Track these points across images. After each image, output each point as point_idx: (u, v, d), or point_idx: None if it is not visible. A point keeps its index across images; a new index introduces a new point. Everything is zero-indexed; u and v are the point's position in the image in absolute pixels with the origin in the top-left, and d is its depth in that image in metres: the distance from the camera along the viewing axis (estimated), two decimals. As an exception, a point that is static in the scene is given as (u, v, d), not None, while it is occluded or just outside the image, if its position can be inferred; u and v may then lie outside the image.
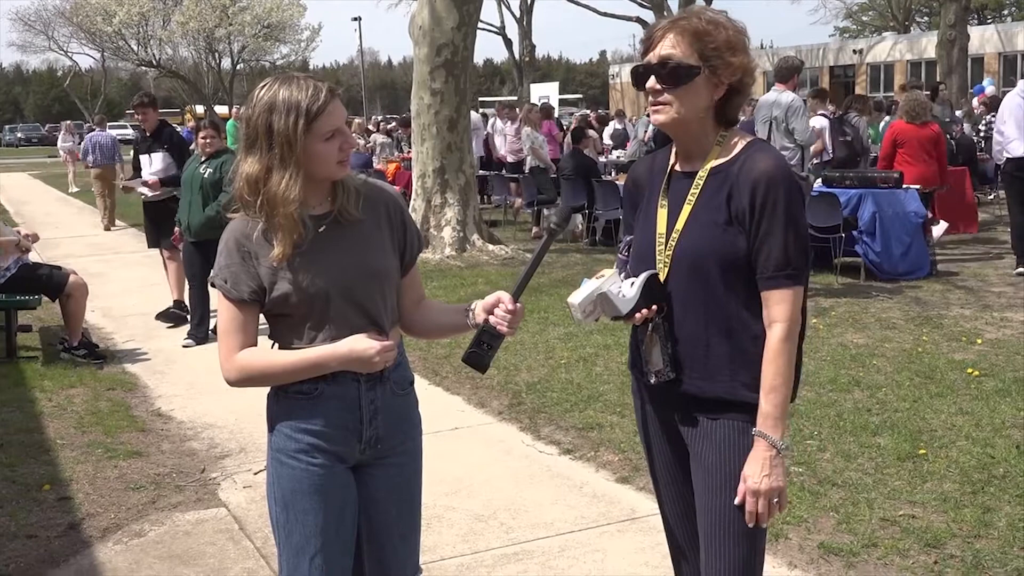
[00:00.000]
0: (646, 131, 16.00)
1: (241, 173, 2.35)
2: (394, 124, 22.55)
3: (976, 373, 6.24)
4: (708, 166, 2.38)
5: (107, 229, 16.32)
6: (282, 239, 2.33)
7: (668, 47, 2.33)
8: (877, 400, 5.78)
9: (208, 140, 7.80)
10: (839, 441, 5.11)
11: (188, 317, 8.26)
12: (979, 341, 7.09)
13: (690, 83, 2.32)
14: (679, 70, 2.31)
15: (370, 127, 23.09)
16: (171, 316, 8.65)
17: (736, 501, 2.32)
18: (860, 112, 12.27)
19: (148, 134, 9.08)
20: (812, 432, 5.24)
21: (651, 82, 2.35)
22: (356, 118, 22.79)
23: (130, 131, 42.77)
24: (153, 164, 8.95)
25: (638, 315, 2.35)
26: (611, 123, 22.14)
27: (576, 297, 2.37)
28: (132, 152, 9.80)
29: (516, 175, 15.12)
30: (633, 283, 2.35)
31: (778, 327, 2.29)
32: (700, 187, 2.37)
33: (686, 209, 2.37)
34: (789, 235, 2.28)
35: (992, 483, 4.51)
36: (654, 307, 2.35)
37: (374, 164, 16.69)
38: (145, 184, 8.89)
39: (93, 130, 19.41)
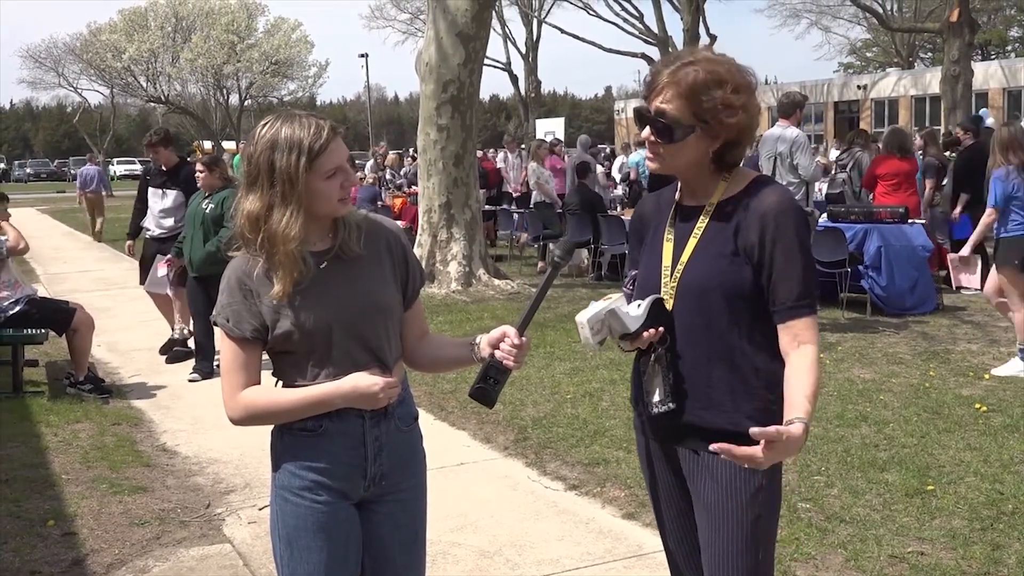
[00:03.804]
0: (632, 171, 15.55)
1: (242, 210, 2.35)
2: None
3: (984, 408, 6.21)
4: (716, 199, 2.39)
5: (96, 239, 20.39)
6: (283, 276, 2.33)
7: (665, 100, 2.33)
8: (885, 435, 5.75)
9: (201, 177, 7.84)
10: (847, 477, 5.08)
11: (191, 349, 8.25)
12: (987, 376, 7.07)
13: (683, 141, 2.33)
14: (673, 129, 2.33)
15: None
16: (174, 352, 8.65)
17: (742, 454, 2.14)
18: (863, 147, 12.30)
19: (164, 168, 8.94)
20: (820, 468, 5.22)
21: (646, 132, 2.37)
22: (391, 151, 22.74)
23: (138, 167, 43.03)
24: (164, 200, 8.86)
25: (645, 334, 2.35)
26: (618, 158, 22.18)
27: (584, 315, 2.37)
28: (138, 188, 9.64)
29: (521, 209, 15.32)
30: (640, 304, 2.37)
31: (810, 348, 2.31)
32: (707, 220, 2.39)
33: (692, 241, 2.39)
34: (806, 266, 2.32)
35: (1001, 519, 4.48)
36: (661, 328, 2.35)
37: (382, 198, 16.73)
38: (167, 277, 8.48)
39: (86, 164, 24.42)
